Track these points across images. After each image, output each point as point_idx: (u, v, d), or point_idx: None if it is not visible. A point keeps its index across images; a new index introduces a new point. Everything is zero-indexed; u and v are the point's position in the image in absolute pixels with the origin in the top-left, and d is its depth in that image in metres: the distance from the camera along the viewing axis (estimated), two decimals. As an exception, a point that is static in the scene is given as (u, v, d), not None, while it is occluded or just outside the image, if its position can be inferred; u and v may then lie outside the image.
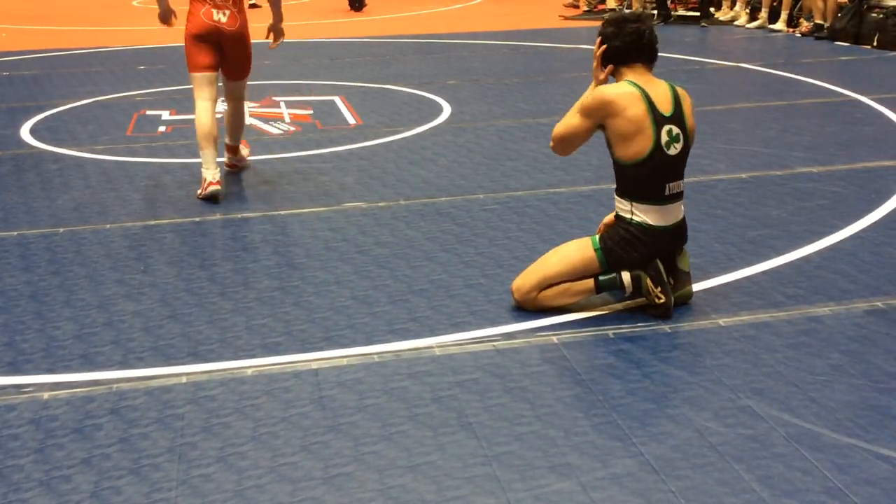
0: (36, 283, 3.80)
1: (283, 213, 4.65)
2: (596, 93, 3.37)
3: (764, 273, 3.79)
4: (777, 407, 2.77)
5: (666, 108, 3.34)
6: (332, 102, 7.31)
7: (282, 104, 7.24)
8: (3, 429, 2.72)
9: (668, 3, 11.85)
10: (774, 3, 11.06)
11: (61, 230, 4.43)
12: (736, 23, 11.53)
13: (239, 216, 4.60)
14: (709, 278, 3.74)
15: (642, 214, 3.36)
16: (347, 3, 13.80)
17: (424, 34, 11.35)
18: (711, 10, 11.85)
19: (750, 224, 4.37)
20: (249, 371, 3.05)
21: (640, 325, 3.33)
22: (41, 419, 2.77)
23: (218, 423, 2.74)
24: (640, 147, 3.30)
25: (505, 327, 3.34)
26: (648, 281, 3.35)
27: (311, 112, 6.97)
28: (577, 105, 3.44)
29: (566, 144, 3.54)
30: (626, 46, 3.39)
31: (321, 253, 4.10)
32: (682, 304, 3.46)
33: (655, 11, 11.83)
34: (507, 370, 3.03)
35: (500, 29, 11.51)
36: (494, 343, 3.22)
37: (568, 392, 2.89)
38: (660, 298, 3.34)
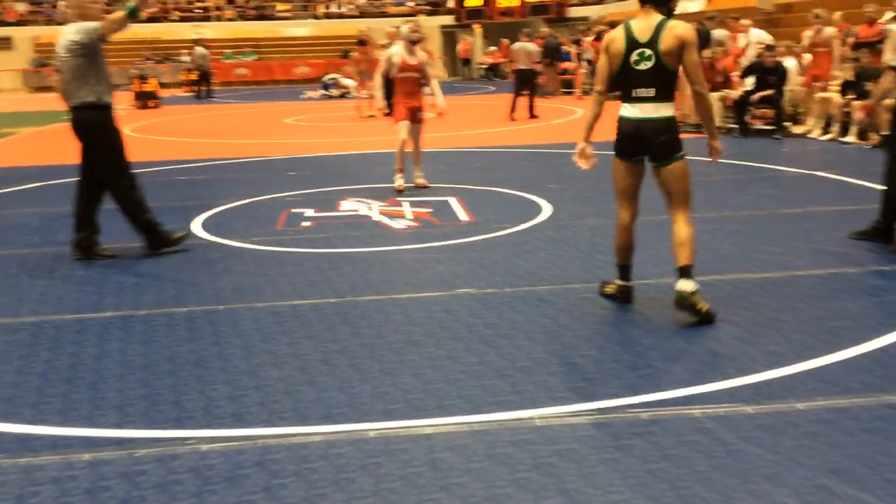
0: (199, 351, 3.96)
1: (404, 296, 4.73)
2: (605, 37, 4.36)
3: (840, 362, 3.61)
4: (853, 486, 2.61)
5: (644, 36, 4.09)
6: (448, 202, 7.45)
7: (405, 204, 7.42)
8: (169, 475, 2.81)
9: (747, 118, 11.69)
10: (845, 119, 10.79)
11: (221, 307, 4.62)
12: (809, 135, 11.27)
13: (367, 298, 4.69)
14: (788, 364, 3.59)
15: (621, 109, 4.25)
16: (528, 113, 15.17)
17: (529, 144, 11.51)
18: (786, 124, 11.63)
19: (827, 316, 4.19)
20: (372, 433, 3.08)
21: (723, 405, 3.21)
22: (199, 468, 2.85)
23: (345, 477, 2.77)
24: (616, 63, 4.17)
25: (599, 403, 3.27)
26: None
27: (430, 210, 7.12)
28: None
29: (600, 78, 4.30)
30: None
31: (436, 332, 4.13)
32: None
33: (735, 125, 11.70)
34: (602, 442, 2.96)
35: (595, 140, 11.56)
36: (589, 417, 3.16)
37: (656, 465, 2.79)
38: (610, 288, 4.53)
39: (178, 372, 3.71)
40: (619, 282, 4.49)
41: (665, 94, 4.12)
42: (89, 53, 5.51)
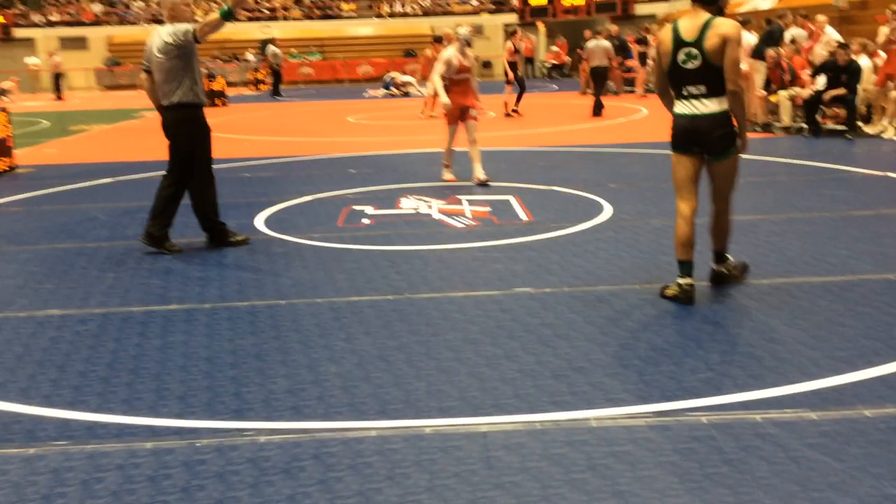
0: (260, 345, 4.03)
1: (461, 294, 4.73)
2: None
3: (912, 369, 3.49)
4: (925, 499, 2.51)
5: (690, 35, 4.24)
6: (508, 201, 7.43)
7: (464, 202, 7.43)
8: (227, 465, 2.87)
9: (819, 117, 11.35)
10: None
11: (282, 302, 4.70)
12: (883, 136, 10.89)
13: (424, 296, 4.71)
14: (855, 370, 3.47)
15: (675, 106, 4.43)
16: (591, 110, 15.42)
17: (591, 144, 11.41)
18: (859, 123, 11.25)
19: (897, 322, 4.05)
20: (428, 430, 3.09)
21: (787, 411, 3.13)
22: (257, 459, 2.91)
23: (399, 473, 2.79)
24: (666, 63, 4.35)
25: (657, 405, 3.22)
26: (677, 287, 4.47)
27: (489, 209, 7.11)
28: None
29: (658, 78, 4.56)
30: None
31: (493, 330, 4.13)
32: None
33: (805, 125, 11.38)
34: (658, 445, 2.91)
35: (659, 140, 11.39)
36: (647, 419, 3.11)
37: (715, 470, 2.74)
38: (671, 290, 4.48)
39: (239, 365, 3.78)
40: (680, 280, 4.44)
41: (716, 90, 4.26)
42: (183, 55, 5.67)
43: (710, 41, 4.17)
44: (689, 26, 4.26)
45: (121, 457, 2.95)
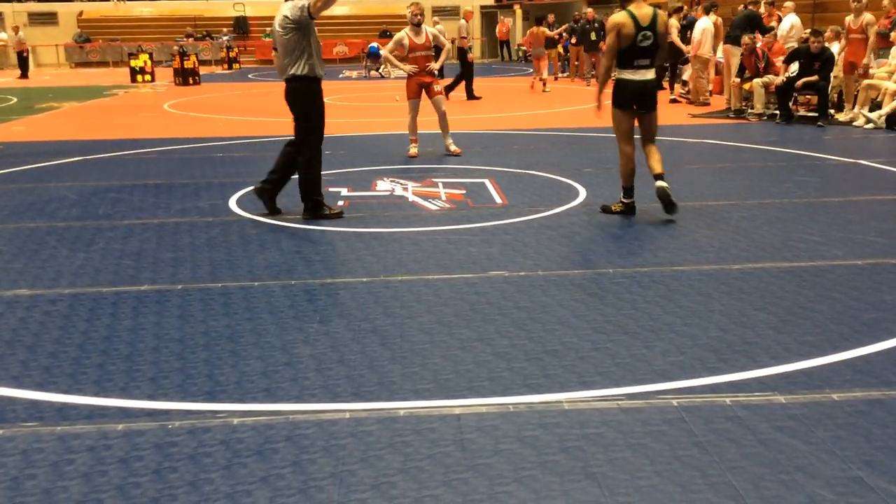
0: (233, 326, 4.01)
1: (435, 277, 4.73)
2: (610, 20, 5.76)
3: (877, 353, 3.55)
4: (887, 479, 2.57)
5: (645, 21, 5.68)
6: (483, 184, 7.42)
7: (439, 185, 7.42)
8: (199, 447, 2.86)
9: (790, 104, 11.46)
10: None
11: (256, 284, 4.67)
12: (854, 123, 11.02)
13: (399, 279, 4.71)
14: (823, 355, 3.53)
15: (622, 74, 5.84)
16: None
17: (565, 128, 11.42)
18: (831, 111, 11.37)
19: (865, 307, 4.11)
20: (402, 412, 3.10)
21: (756, 394, 3.18)
22: (230, 441, 2.90)
23: (373, 455, 2.79)
24: (626, 41, 5.70)
25: (629, 388, 3.25)
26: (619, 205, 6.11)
27: (463, 192, 7.10)
28: (608, 31, 5.82)
29: (609, 54, 5.83)
30: None
31: (467, 313, 4.13)
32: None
33: (778, 112, 11.48)
34: (630, 427, 2.94)
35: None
36: (619, 402, 3.14)
37: (685, 452, 2.77)
38: (616, 206, 6.13)
39: (211, 346, 3.76)
40: (624, 199, 6.05)
41: (654, 62, 5.80)
42: (299, 30, 5.96)
43: (661, 28, 5.70)
44: (642, 14, 5.65)
45: (92, 438, 2.92)
